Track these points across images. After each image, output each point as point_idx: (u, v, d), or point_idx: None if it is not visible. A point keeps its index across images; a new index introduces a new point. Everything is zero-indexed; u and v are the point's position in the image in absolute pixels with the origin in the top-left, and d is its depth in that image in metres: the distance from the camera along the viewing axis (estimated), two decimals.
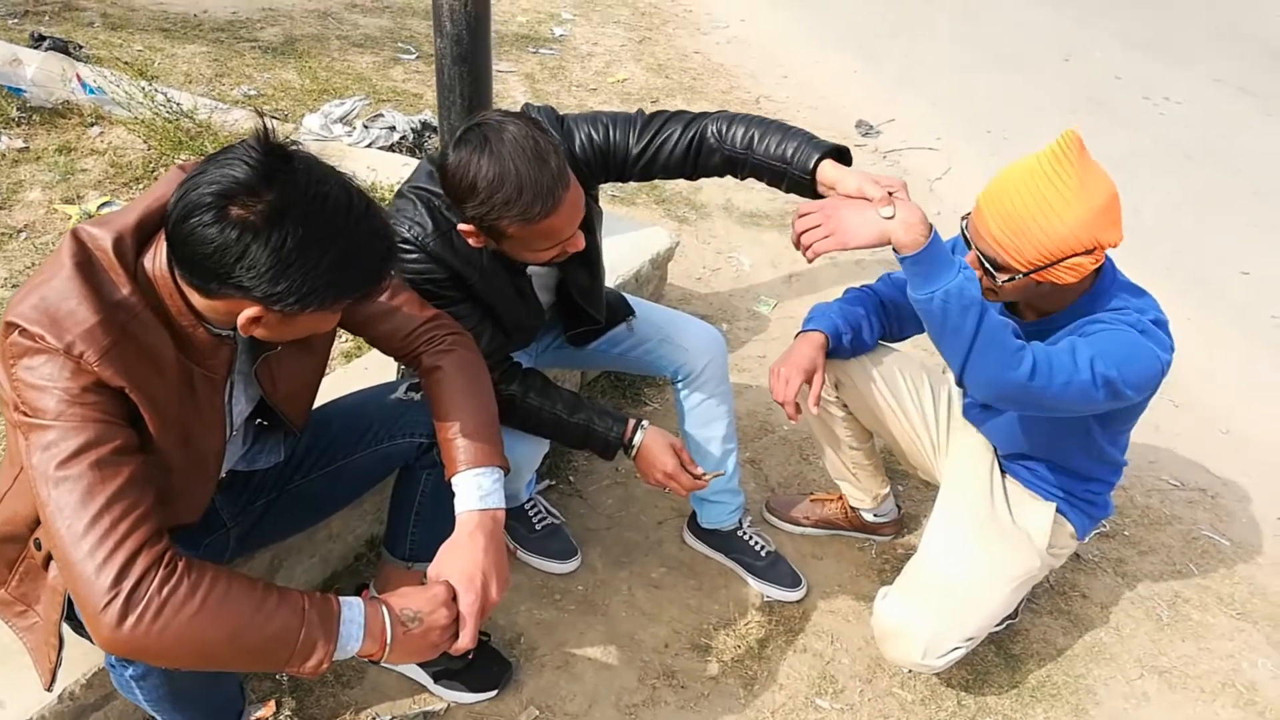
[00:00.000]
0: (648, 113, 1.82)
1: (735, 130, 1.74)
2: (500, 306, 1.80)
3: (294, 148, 1.15)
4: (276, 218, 1.10)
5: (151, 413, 1.18)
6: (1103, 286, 1.66)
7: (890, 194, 1.52)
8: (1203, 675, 2.17)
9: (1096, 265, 1.57)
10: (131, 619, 1.08)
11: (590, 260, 1.91)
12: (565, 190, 1.55)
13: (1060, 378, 1.56)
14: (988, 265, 1.61)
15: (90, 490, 1.10)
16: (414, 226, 1.68)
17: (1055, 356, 1.59)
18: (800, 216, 1.55)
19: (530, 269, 1.82)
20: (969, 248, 1.65)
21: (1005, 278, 1.60)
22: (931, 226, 1.49)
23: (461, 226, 1.63)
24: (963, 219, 1.65)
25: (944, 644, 1.82)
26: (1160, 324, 1.64)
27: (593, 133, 1.79)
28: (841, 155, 1.69)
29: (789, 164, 1.69)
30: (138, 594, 1.09)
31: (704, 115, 1.80)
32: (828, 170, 1.65)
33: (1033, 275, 1.57)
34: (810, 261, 1.56)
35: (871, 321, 2.00)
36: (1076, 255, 1.54)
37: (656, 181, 4.10)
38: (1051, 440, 1.88)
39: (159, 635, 1.10)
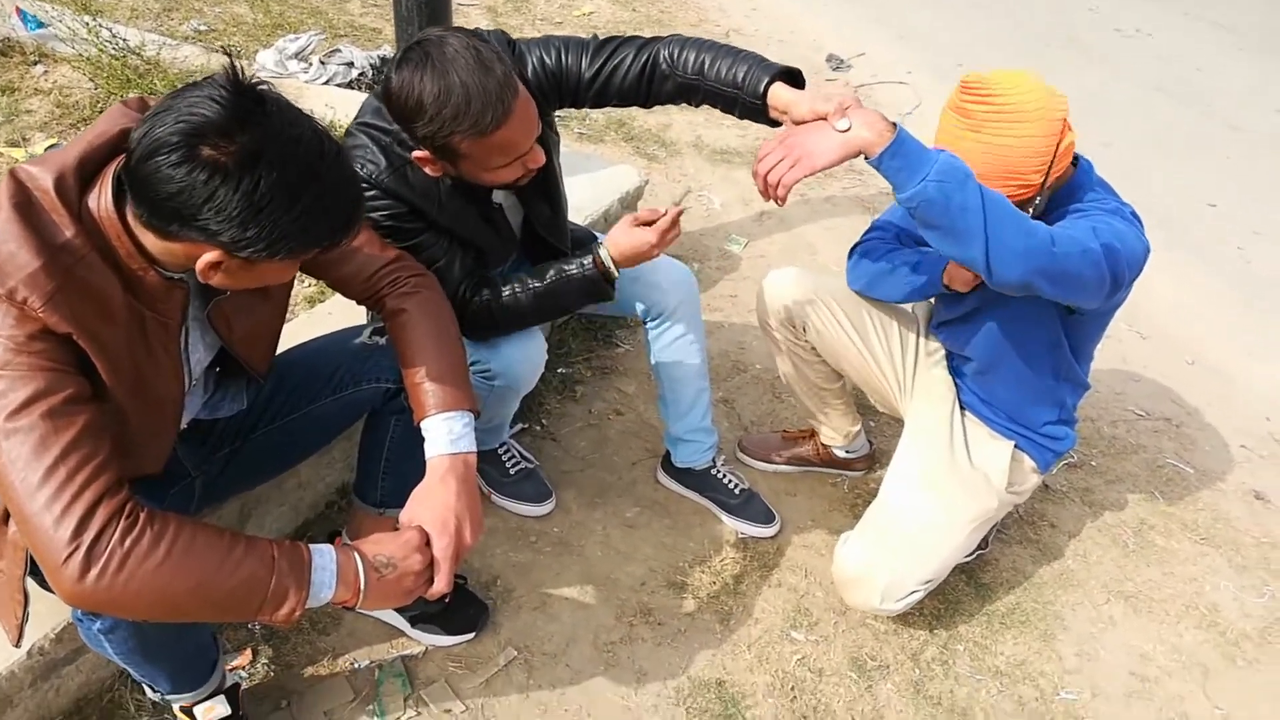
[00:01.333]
0: (602, 38, 1.77)
1: (687, 55, 1.69)
2: (465, 235, 1.76)
3: (264, 88, 1.10)
4: (250, 161, 1.05)
5: (102, 359, 1.13)
6: (1080, 179, 1.71)
7: (844, 107, 1.45)
8: (1167, 599, 2.22)
9: (1069, 134, 1.63)
10: (94, 572, 1.06)
11: (550, 190, 1.87)
12: (515, 98, 1.50)
13: (1077, 246, 1.52)
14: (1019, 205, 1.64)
15: (43, 441, 1.06)
16: (367, 165, 1.62)
17: (1065, 226, 1.62)
18: (760, 160, 1.49)
19: (496, 197, 1.78)
20: None
21: (1030, 207, 1.65)
22: (894, 122, 1.42)
23: (416, 155, 1.58)
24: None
25: (901, 589, 1.85)
26: (1138, 218, 1.68)
27: (545, 56, 1.73)
28: (793, 78, 1.63)
29: (740, 89, 1.64)
30: (99, 546, 1.06)
31: (657, 40, 1.74)
32: (779, 93, 1.60)
33: (1045, 184, 1.63)
34: (782, 203, 1.50)
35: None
36: (1059, 141, 1.60)
37: (624, 119, 4.03)
38: (1023, 351, 1.87)
39: (123, 588, 1.07)
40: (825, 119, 1.46)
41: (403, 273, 1.50)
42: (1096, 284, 1.58)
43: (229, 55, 1.16)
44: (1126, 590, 2.23)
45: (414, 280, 1.50)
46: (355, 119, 1.69)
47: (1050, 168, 1.62)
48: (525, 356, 1.88)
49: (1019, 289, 1.53)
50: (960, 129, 1.63)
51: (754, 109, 1.65)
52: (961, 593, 2.16)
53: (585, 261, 1.78)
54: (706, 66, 1.67)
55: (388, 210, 1.64)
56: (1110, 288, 1.61)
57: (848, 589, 1.90)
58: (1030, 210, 1.66)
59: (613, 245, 1.75)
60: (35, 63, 3.38)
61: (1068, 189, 1.71)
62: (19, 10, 3.48)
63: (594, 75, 1.73)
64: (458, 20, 4.76)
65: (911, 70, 4.96)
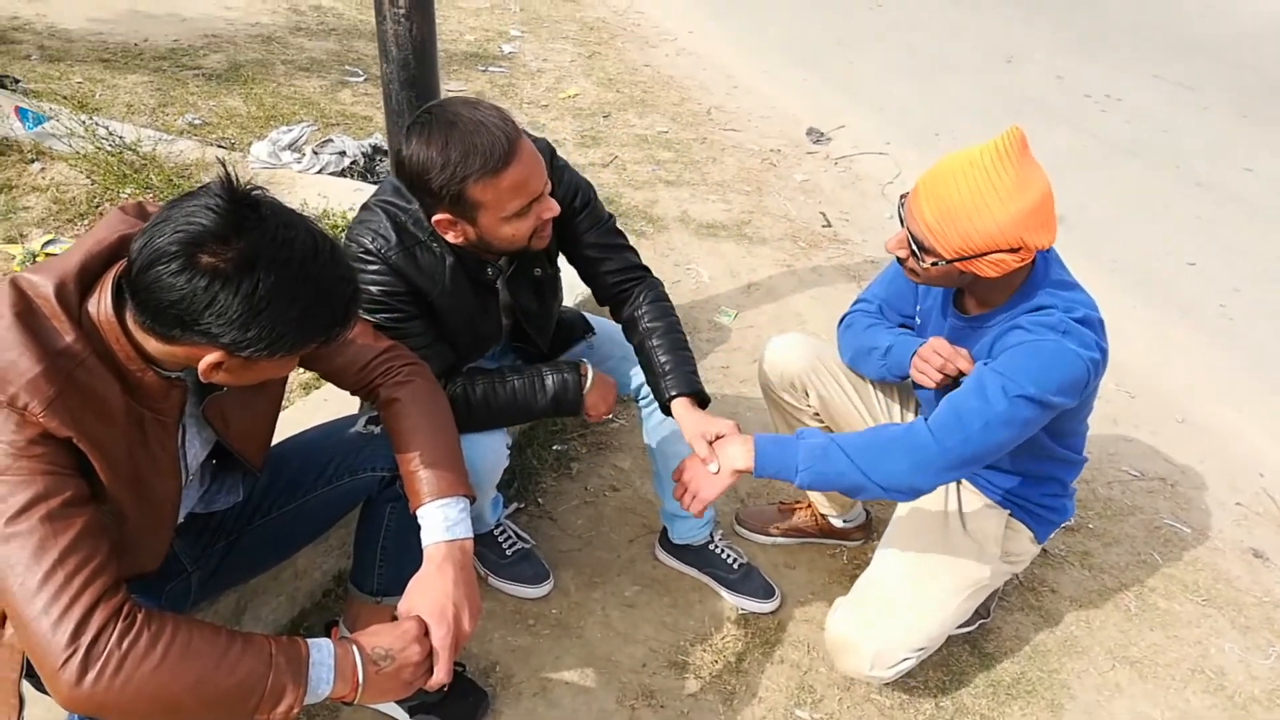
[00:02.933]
0: (616, 224, 1.97)
1: (649, 316, 1.93)
2: (459, 320, 1.79)
3: (258, 193, 1.14)
4: (247, 265, 1.08)
5: (101, 461, 1.14)
6: (1034, 282, 1.67)
7: (711, 443, 1.73)
8: (1172, 663, 2.20)
9: (1021, 264, 1.59)
10: (91, 675, 1.05)
11: (542, 288, 1.93)
12: (519, 135, 1.57)
13: (975, 422, 1.59)
14: (915, 247, 1.62)
15: (42, 545, 1.07)
16: (377, 239, 1.67)
17: (960, 404, 1.61)
18: (676, 487, 1.77)
19: (498, 284, 1.82)
20: (902, 225, 1.67)
21: (930, 261, 1.62)
22: (753, 444, 1.67)
23: (436, 219, 1.62)
24: (901, 197, 1.67)
25: (891, 657, 1.82)
26: (1087, 321, 1.63)
27: (576, 192, 1.87)
28: (701, 399, 1.87)
29: (659, 379, 1.88)
30: (96, 649, 1.06)
31: (645, 275, 1.98)
32: (678, 411, 1.85)
33: (956, 264, 1.59)
34: (699, 516, 1.77)
35: (888, 321, 2.03)
36: (1000, 251, 1.55)
37: (611, 196, 4.12)
38: None
39: (120, 690, 1.06)
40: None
41: (396, 362, 1.52)
42: (1023, 432, 1.61)
43: (223, 164, 1.20)
44: (1131, 655, 2.21)
45: (407, 369, 1.52)
46: (374, 195, 1.75)
47: (965, 260, 1.58)
48: (483, 456, 1.87)
49: (950, 480, 1.65)
50: (970, 154, 1.57)
51: (661, 405, 1.89)
52: (965, 663, 2.14)
53: (567, 377, 1.85)
54: (653, 341, 1.91)
55: (387, 286, 1.68)
56: (1048, 419, 1.63)
57: (838, 656, 1.88)
58: (921, 266, 1.64)
59: (595, 378, 1.88)
60: (33, 160, 3.45)
61: (1023, 291, 1.68)
62: (17, 109, 3.57)
63: (588, 250, 1.92)
64: None
65: (890, 141, 5.09)
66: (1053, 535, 2.38)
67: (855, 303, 2.09)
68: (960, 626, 2.17)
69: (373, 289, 1.67)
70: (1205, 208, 4.59)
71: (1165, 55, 6.72)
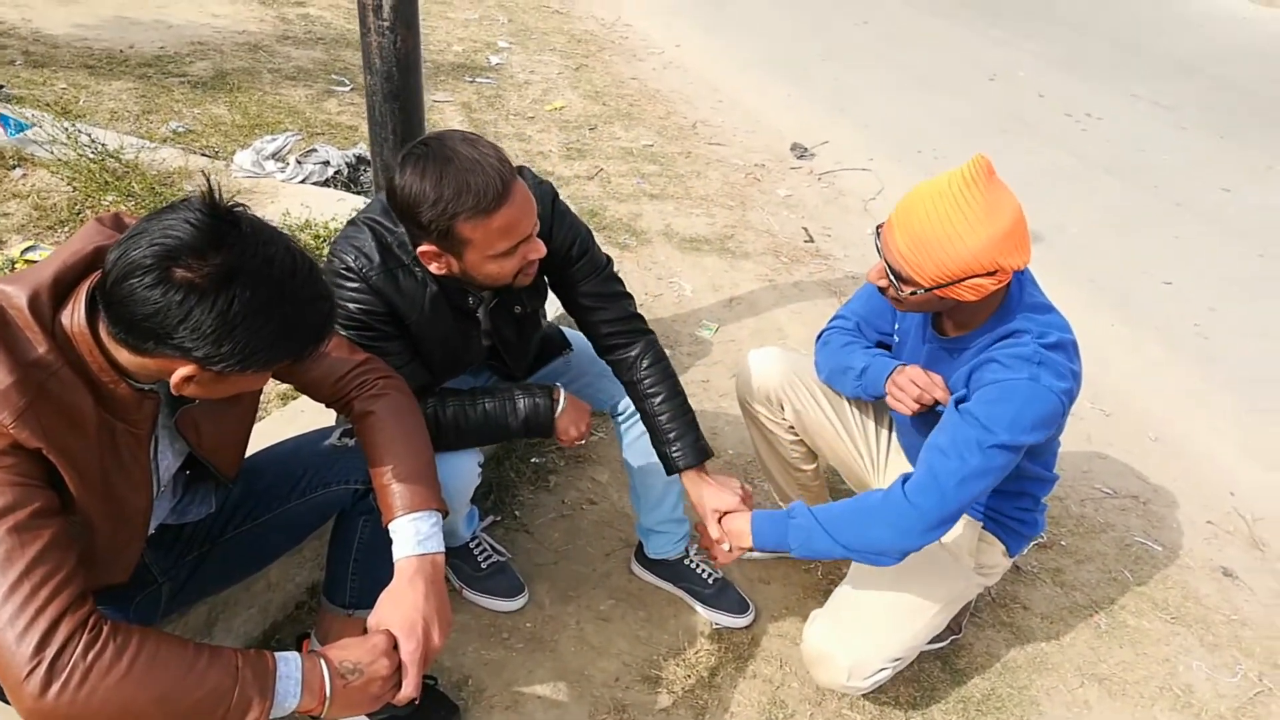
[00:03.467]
0: (613, 267, 1.97)
1: (649, 379, 1.94)
2: (436, 344, 1.80)
3: (239, 209, 1.14)
4: (224, 281, 1.08)
5: (71, 472, 1.14)
6: (1010, 306, 1.70)
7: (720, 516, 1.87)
8: (1141, 680, 2.22)
9: (999, 286, 1.62)
10: (55, 687, 1.05)
11: (521, 321, 1.94)
12: (514, 178, 1.56)
13: (949, 481, 1.63)
14: (893, 277, 1.65)
15: (8, 557, 1.07)
16: (360, 257, 1.66)
17: (934, 464, 1.66)
18: (704, 536, 1.92)
19: (479, 313, 1.82)
20: (880, 256, 1.69)
21: (909, 290, 1.65)
22: (750, 527, 1.81)
23: (421, 250, 1.62)
24: (875, 229, 1.69)
25: (868, 667, 1.84)
26: (1060, 345, 1.66)
27: (574, 242, 1.86)
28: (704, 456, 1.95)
29: (665, 448, 1.93)
30: (61, 661, 1.06)
31: (640, 330, 1.97)
32: (687, 481, 1.94)
33: (935, 291, 1.62)
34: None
35: (865, 340, 2.05)
36: (977, 276, 1.58)
37: (596, 210, 4.13)
38: None
39: (85, 703, 1.06)
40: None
41: (370, 374, 1.53)
42: (998, 478, 1.66)
43: (206, 178, 1.20)
44: (1100, 673, 2.23)
45: (382, 382, 1.53)
46: (363, 212, 1.75)
47: (943, 287, 1.61)
48: (455, 475, 1.87)
49: (938, 538, 1.71)
50: (938, 184, 1.59)
51: (668, 469, 1.95)
52: (937, 679, 2.16)
53: (539, 401, 1.87)
54: (657, 405, 1.93)
55: (366, 305, 1.67)
56: (1022, 457, 1.67)
57: (815, 667, 1.90)
58: (901, 295, 1.67)
59: (568, 404, 1.90)
60: (14, 166, 3.43)
61: (999, 315, 1.70)
62: None
63: (584, 299, 1.92)
64: (433, 117, 4.91)
65: (873, 157, 5.14)
66: (1025, 552, 2.42)
67: (833, 319, 2.11)
68: (932, 642, 2.19)
69: (350, 306, 1.67)
70: (1183, 227, 4.65)
71: (1144, 74, 6.81)
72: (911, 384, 1.80)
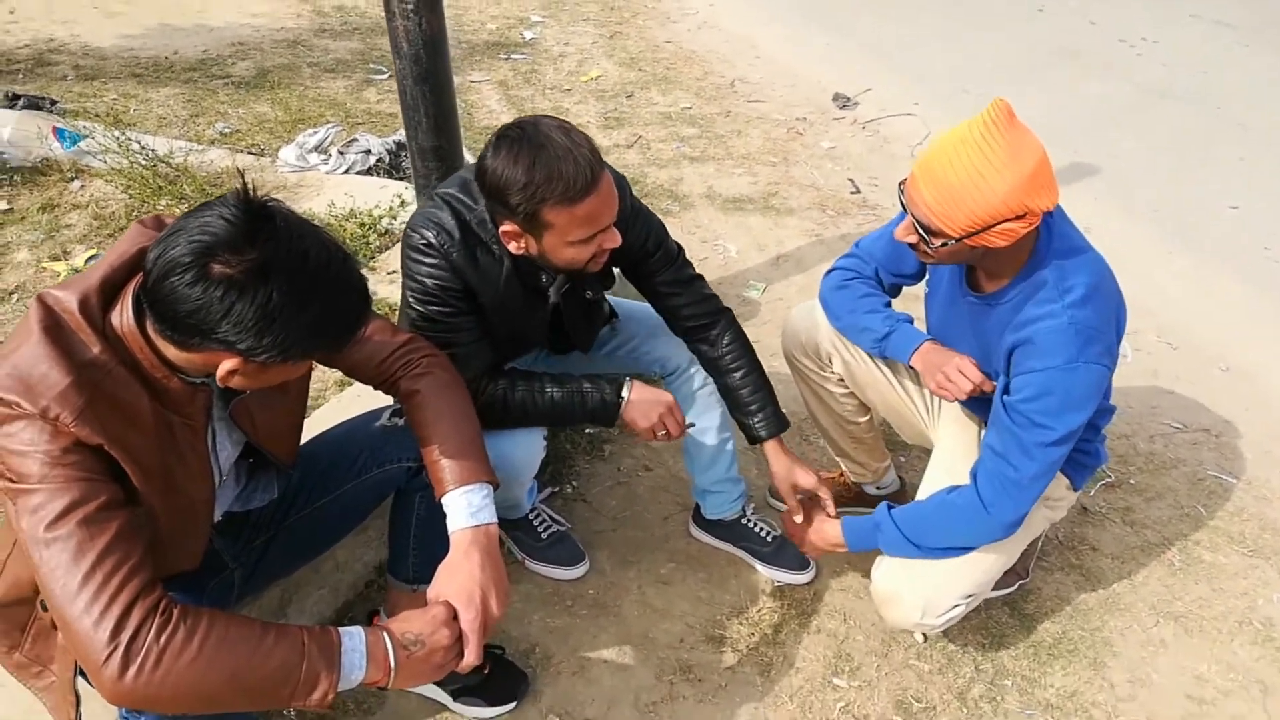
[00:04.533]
0: (684, 253, 2.02)
1: (730, 354, 2.02)
2: (505, 323, 1.84)
3: (273, 203, 1.17)
4: (261, 274, 1.12)
5: (132, 465, 1.19)
6: (1040, 253, 1.66)
7: (800, 500, 1.97)
8: (1218, 616, 2.17)
9: (1029, 229, 1.58)
10: (132, 670, 1.10)
11: (589, 306, 1.98)
12: (602, 170, 1.61)
13: (1019, 484, 1.68)
14: (922, 231, 1.62)
15: (80, 548, 1.12)
16: (441, 234, 1.70)
17: (1000, 470, 1.69)
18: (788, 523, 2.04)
19: (550, 292, 1.86)
20: (905, 212, 1.66)
21: (939, 243, 1.61)
22: (843, 536, 1.89)
23: (503, 230, 1.66)
24: (900, 184, 1.66)
25: (941, 603, 1.82)
26: (1090, 297, 1.62)
27: (648, 236, 1.92)
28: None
29: (747, 419, 2.01)
30: (136, 645, 1.11)
31: (720, 311, 2.04)
32: (768, 451, 2.01)
33: (965, 241, 1.58)
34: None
35: (885, 296, 2.05)
36: (1006, 221, 1.54)
37: (636, 177, 4.12)
38: None
39: (160, 683, 1.11)
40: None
41: (414, 354, 1.56)
42: (1063, 460, 1.69)
43: (240, 175, 1.24)
44: (1176, 610, 2.18)
45: (426, 360, 1.56)
46: (441, 186, 1.79)
47: (974, 235, 1.57)
48: (521, 449, 1.92)
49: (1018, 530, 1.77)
50: (959, 132, 1.55)
51: (750, 439, 2.03)
52: (1005, 625, 2.14)
53: (607, 394, 1.87)
54: (737, 379, 2.02)
55: (443, 281, 1.71)
56: (1085, 430, 1.72)
57: (887, 606, 1.88)
58: (931, 248, 1.63)
59: (634, 397, 1.88)
60: (73, 178, 3.56)
61: (1030, 264, 1.67)
62: (55, 130, 3.68)
63: (662, 287, 1.99)
64: (471, 96, 4.93)
65: (919, 101, 5.01)
66: (1092, 492, 2.38)
67: (846, 257, 2.06)
68: (998, 588, 2.16)
69: (428, 281, 1.71)
70: (1248, 149, 4.44)
71: None
72: (964, 378, 1.82)
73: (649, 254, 1.93)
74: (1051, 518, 2.02)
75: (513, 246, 1.68)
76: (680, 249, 2.01)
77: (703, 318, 2.02)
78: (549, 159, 1.54)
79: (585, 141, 1.59)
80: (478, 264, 1.73)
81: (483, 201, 1.69)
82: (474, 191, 1.70)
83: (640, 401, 1.88)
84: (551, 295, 1.86)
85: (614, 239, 1.69)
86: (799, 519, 1.98)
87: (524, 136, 1.56)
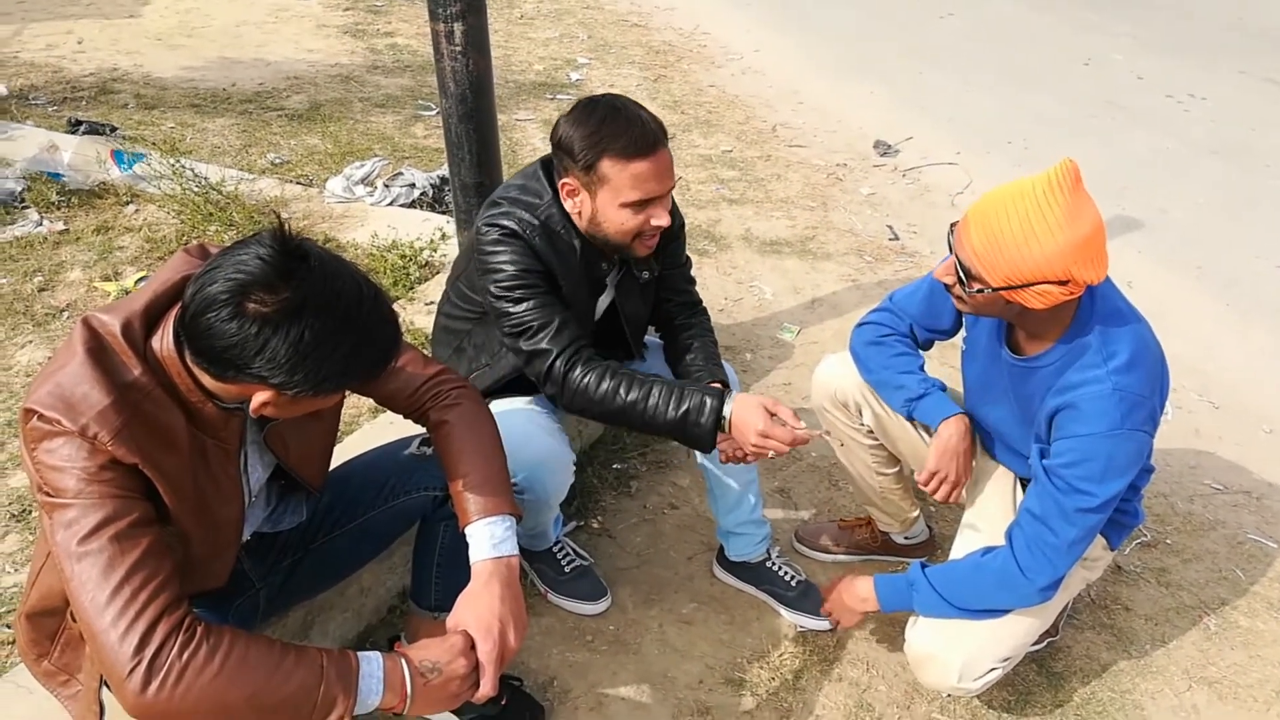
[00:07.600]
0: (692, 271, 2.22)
1: (691, 332, 2.16)
2: (573, 304, 1.89)
3: (307, 242, 1.21)
4: (295, 312, 1.15)
5: (165, 486, 1.23)
6: (1082, 319, 1.64)
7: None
8: (1254, 684, 2.10)
9: (1068, 298, 1.57)
10: (154, 685, 1.13)
11: (645, 291, 2.07)
12: (665, 144, 1.75)
13: (1057, 550, 1.67)
14: (962, 274, 1.62)
15: (110, 563, 1.15)
16: (521, 221, 1.80)
17: (1039, 536, 1.67)
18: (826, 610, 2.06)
19: (609, 279, 1.96)
20: (951, 253, 1.66)
21: (976, 288, 1.61)
22: (875, 594, 1.89)
23: (564, 181, 1.78)
24: (951, 226, 1.66)
25: (979, 667, 1.79)
26: (1139, 357, 1.61)
27: (681, 219, 2.09)
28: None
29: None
30: (159, 660, 1.13)
31: (698, 307, 2.20)
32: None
33: (1001, 292, 1.58)
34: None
35: (920, 356, 2.04)
36: (1048, 283, 1.53)
37: None
38: None
39: (181, 699, 1.13)
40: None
41: (444, 385, 1.58)
42: (1101, 525, 1.69)
43: (276, 214, 1.28)
44: (1210, 676, 2.12)
45: (456, 392, 1.58)
46: (500, 191, 1.89)
47: (1011, 290, 1.56)
48: (552, 472, 1.93)
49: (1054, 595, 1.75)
50: (1022, 184, 1.55)
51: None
52: (1032, 683, 2.09)
53: (707, 411, 1.77)
54: (690, 355, 2.11)
55: (527, 265, 1.79)
56: (1126, 491, 1.69)
57: (923, 667, 1.85)
58: (967, 293, 1.63)
59: (738, 416, 1.78)
60: (128, 203, 3.68)
61: (1072, 330, 1.66)
62: (113, 152, 3.81)
63: (667, 269, 2.12)
64: (515, 135, 5.02)
65: (960, 151, 5.02)
66: (1127, 551, 2.33)
67: (880, 310, 2.06)
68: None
69: (511, 268, 1.78)
70: None
71: (1252, 50, 6.46)
72: (955, 487, 1.92)
73: (674, 234, 2.04)
74: (1088, 578, 1.99)
75: (569, 205, 1.79)
76: (687, 261, 2.19)
77: (684, 307, 2.18)
78: (618, 118, 1.71)
79: (654, 118, 1.74)
80: (556, 247, 1.82)
81: (547, 195, 1.81)
82: (534, 189, 1.83)
83: (745, 411, 1.78)
84: (609, 283, 1.95)
85: (664, 217, 1.78)
86: (772, 411, 1.77)
87: (601, 100, 1.74)
